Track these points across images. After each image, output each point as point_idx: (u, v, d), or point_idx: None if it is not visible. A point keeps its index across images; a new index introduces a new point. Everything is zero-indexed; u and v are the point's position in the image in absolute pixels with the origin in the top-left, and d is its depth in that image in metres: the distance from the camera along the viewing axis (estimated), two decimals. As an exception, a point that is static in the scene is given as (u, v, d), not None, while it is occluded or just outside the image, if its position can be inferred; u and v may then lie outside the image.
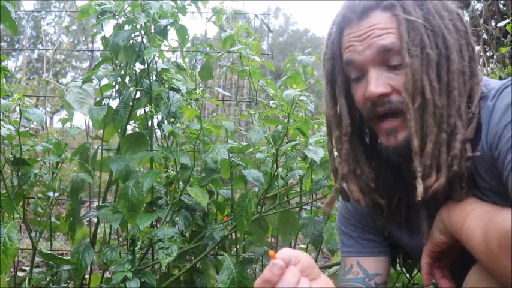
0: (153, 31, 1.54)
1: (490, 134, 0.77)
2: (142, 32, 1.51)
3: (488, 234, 0.70)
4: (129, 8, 1.49)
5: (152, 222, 1.47)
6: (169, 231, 1.34)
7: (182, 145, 1.48)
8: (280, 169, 1.47)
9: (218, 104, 2.16)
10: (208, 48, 1.89)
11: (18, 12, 3.24)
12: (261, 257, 1.66)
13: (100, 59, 1.71)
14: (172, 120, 1.45)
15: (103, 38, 1.66)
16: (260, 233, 1.60)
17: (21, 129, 1.45)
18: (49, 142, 1.51)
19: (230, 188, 1.58)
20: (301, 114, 1.42)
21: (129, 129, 1.71)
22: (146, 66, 1.53)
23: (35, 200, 1.63)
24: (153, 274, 1.43)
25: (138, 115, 1.67)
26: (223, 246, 1.61)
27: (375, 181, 0.92)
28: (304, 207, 1.82)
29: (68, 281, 1.64)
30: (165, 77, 1.49)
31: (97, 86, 1.65)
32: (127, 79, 1.63)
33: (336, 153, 0.97)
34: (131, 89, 1.57)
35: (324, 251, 2.10)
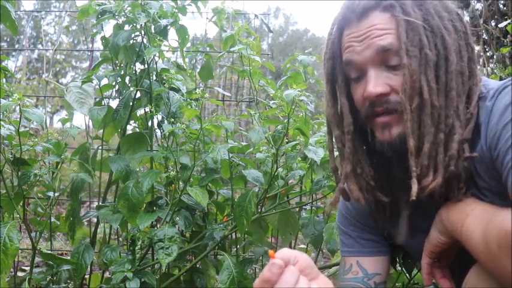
0: (153, 31, 1.54)
1: (489, 134, 0.77)
2: (142, 32, 1.51)
3: (487, 235, 0.70)
4: (129, 8, 1.49)
5: (152, 222, 1.47)
6: (169, 231, 1.34)
7: (182, 145, 1.48)
8: (280, 169, 1.47)
9: (218, 104, 2.16)
10: (208, 48, 1.89)
11: (18, 12, 3.24)
12: (261, 257, 1.66)
13: (100, 59, 1.71)
14: (172, 120, 1.45)
15: (103, 38, 1.66)
16: (260, 233, 1.60)
17: (21, 129, 1.45)
18: (49, 142, 1.51)
19: (230, 188, 1.58)
20: (301, 114, 1.42)
21: (129, 129, 1.72)
22: (146, 66, 1.53)
23: (35, 200, 1.63)
24: (153, 274, 1.43)
25: (138, 115, 1.67)
26: (223, 246, 1.61)
27: (377, 179, 0.92)
28: (304, 207, 1.82)
29: (68, 281, 1.64)
30: (165, 77, 1.49)
31: (97, 86, 1.65)
32: (127, 79, 1.63)
33: (336, 153, 0.97)
34: (131, 89, 1.57)
35: (324, 251, 2.10)
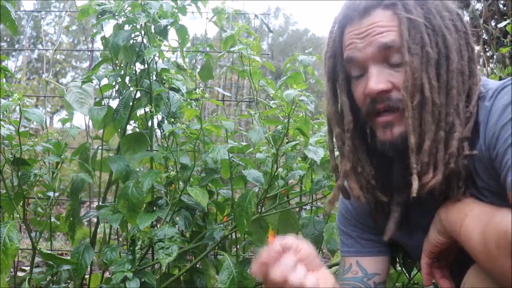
0: (153, 31, 1.54)
1: (487, 134, 0.78)
2: (142, 32, 1.51)
3: (486, 235, 0.70)
4: (129, 8, 1.49)
5: (152, 222, 1.47)
6: (169, 231, 1.34)
7: (182, 145, 1.48)
8: (280, 169, 1.47)
9: (218, 104, 2.16)
10: (208, 48, 1.89)
11: (18, 12, 3.24)
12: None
13: (100, 59, 1.71)
14: (172, 120, 1.45)
15: (103, 38, 1.66)
16: (260, 233, 1.60)
17: (21, 129, 1.45)
18: (49, 142, 1.51)
19: (230, 188, 1.58)
20: (301, 114, 1.42)
21: (129, 129, 1.72)
22: (146, 66, 1.53)
23: (35, 200, 1.63)
24: (153, 274, 1.43)
25: (138, 115, 1.67)
26: (223, 246, 1.61)
27: (377, 179, 0.92)
28: (304, 207, 1.82)
29: (68, 281, 1.64)
30: (165, 77, 1.49)
31: (97, 86, 1.65)
32: (127, 79, 1.63)
33: (337, 152, 0.97)
34: (131, 89, 1.57)
35: (324, 251, 2.10)
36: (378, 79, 0.83)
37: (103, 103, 1.67)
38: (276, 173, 1.45)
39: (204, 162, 1.49)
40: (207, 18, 1.80)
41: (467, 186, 0.82)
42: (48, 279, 1.61)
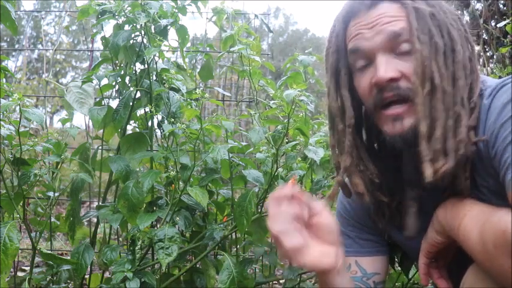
0: (153, 31, 1.54)
1: (486, 132, 0.78)
2: (142, 32, 1.51)
3: (484, 234, 0.70)
4: (129, 8, 1.49)
5: (152, 222, 1.47)
6: (169, 231, 1.34)
7: (182, 145, 1.48)
8: (280, 169, 1.47)
9: (218, 104, 2.16)
10: (208, 48, 1.89)
11: (18, 12, 3.24)
12: (261, 257, 1.66)
13: (100, 59, 1.71)
14: (172, 120, 1.45)
15: (103, 38, 1.66)
16: (260, 233, 1.60)
17: (21, 129, 1.45)
18: (49, 142, 1.51)
19: (230, 188, 1.58)
20: (301, 114, 1.42)
21: (129, 129, 1.71)
22: (146, 66, 1.53)
23: (35, 200, 1.63)
24: (153, 274, 1.43)
25: (138, 115, 1.67)
26: (223, 246, 1.61)
27: (380, 178, 0.91)
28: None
29: (68, 281, 1.64)
30: (165, 77, 1.49)
31: (97, 86, 1.65)
32: (127, 79, 1.63)
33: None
34: (131, 89, 1.57)
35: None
36: (386, 67, 0.83)
37: (103, 103, 1.67)
38: (276, 173, 1.45)
39: (204, 162, 1.49)
40: (207, 18, 1.80)
41: (472, 178, 0.82)
42: (48, 279, 1.61)
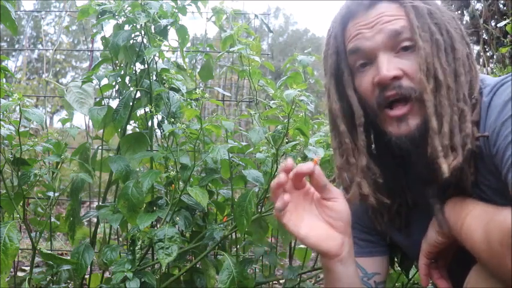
0: (153, 31, 1.54)
1: (487, 130, 0.78)
2: (142, 32, 1.51)
3: (489, 233, 0.70)
4: (129, 8, 1.49)
5: (152, 222, 1.47)
6: (169, 231, 1.34)
7: (182, 145, 1.48)
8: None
9: (218, 104, 2.16)
10: (208, 48, 1.89)
11: (18, 12, 3.24)
12: (261, 257, 1.66)
13: (100, 59, 1.71)
14: (172, 120, 1.45)
15: (103, 38, 1.66)
16: (260, 233, 1.60)
17: (21, 129, 1.45)
18: (49, 142, 1.51)
19: (230, 188, 1.58)
20: (301, 114, 1.42)
21: (129, 129, 1.71)
22: (146, 66, 1.53)
23: (35, 200, 1.63)
24: (153, 274, 1.43)
25: (138, 115, 1.67)
26: (223, 246, 1.61)
27: (383, 178, 0.91)
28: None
29: (68, 281, 1.64)
30: (165, 77, 1.49)
31: (97, 86, 1.65)
32: (127, 79, 1.63)
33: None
34: (131, 89, 1.57)
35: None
36: (388, 66, 0.83)
37: (103, 103, 1.67)
38: (276, 173, 1.45)
39: (204, 162, 1.49)
40: (207, 18, 1.80)
41: (476, 171, 0.82)
42: (48, 279, 1.60)
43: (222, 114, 1.69)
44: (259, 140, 1.43)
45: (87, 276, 1.74)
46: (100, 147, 1.71)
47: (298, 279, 1.61)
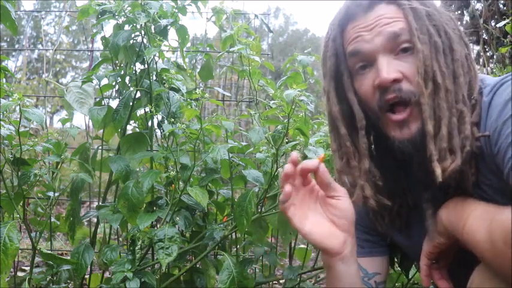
0: (153, 31, 1.54)
1: (488, 129, 0.78)
2: (142, 32, 1.51)
3: (492, 233, 0.70)
4: (129, 8, 1.49)
5: (152, 222, 1.47)
6: (169, 231, 1.34)
7: (182, 145, 1.48)
8: (280, 169, 1.47)
9: (218, 104, 2.16)
10: (208, 48, 1.89)
11: (18, 12, 3.24)
12: (261, 257, 1.66)
13: (100, 59, 1.71)
14: (172, 120, 1.45)
15: (103, 38, 1.66)
16: (260, 233, 1.60)
17: (21, 129, 1.45)
18: (49, 142, 1.51)
19: (230, 188, 1.58)
20: (301, 114, 1.42)
21: (129, 129, 1.71)
22: (146, 66, 1.53)
23: (35, 200, 1.63)
24: (153, 274, 1.43)
25: (138, 115, 1.67)
26: (223, 246, 1.61)
27: (383, 180, 0.91)
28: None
29: (68, 281, 1.64)
30: (165, 77, 1.49)
31: (97, 86, 1.65)
32: (127, 79, 1.63)
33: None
34: (131, 89, 1.57)
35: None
36: (388, 69, 0.83)
37: (103, 103, 1.67)
38: (276, 173, 1.45)
39: (204, 162, 1.49)
40: (207, 18, 1.80)
41: (477, 171, 0.82)
42: (48, 279, 1.60)
43: (222, 114, 1.69)
44: (259, 140, 1.43)
45: (87, 276, 1.74)
46: (100, 147, 1.71)
47: (298, 279, 1.62)
